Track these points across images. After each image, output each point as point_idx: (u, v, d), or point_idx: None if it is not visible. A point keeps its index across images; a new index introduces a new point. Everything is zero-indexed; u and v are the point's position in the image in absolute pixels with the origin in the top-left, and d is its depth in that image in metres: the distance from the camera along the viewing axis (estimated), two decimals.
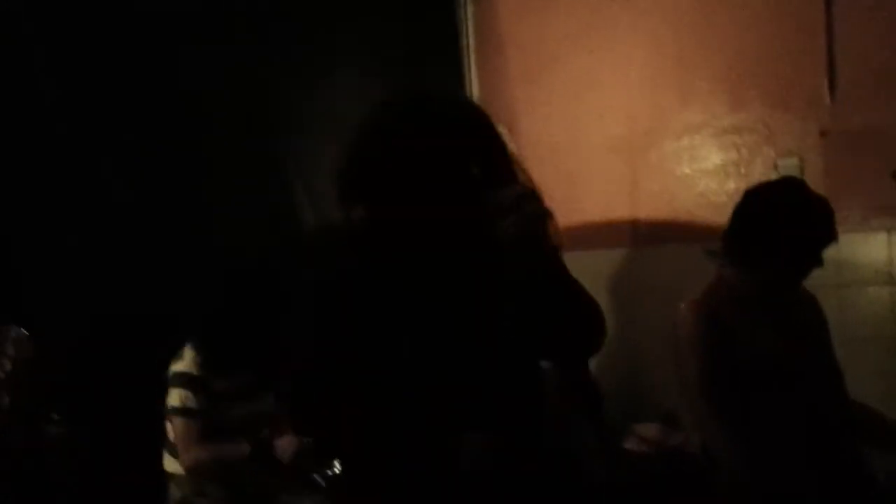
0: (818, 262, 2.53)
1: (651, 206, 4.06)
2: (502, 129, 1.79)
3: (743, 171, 3.80)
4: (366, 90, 3.95)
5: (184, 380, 3.20)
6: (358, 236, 1.71)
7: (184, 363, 3.22)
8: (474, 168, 1.62)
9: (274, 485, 3.28)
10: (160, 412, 3.23)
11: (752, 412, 2.44)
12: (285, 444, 3.17)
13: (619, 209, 4.12)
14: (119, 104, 3.47)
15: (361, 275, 1.70)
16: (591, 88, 4.21)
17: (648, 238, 4.04)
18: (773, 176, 3.50)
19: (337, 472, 2.91)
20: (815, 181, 3.13)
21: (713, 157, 3.91)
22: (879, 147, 3.39)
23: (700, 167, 3.94)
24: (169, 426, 3.23)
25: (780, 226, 2.50)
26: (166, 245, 3.51)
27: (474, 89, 4.52)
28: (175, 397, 3.19)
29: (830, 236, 2.52)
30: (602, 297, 1.82)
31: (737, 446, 2.43)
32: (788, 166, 3.61)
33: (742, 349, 2.45)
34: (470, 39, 4.56)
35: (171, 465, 3.26)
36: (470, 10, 4.58)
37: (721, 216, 3.84)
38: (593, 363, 3.18)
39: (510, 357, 1.71)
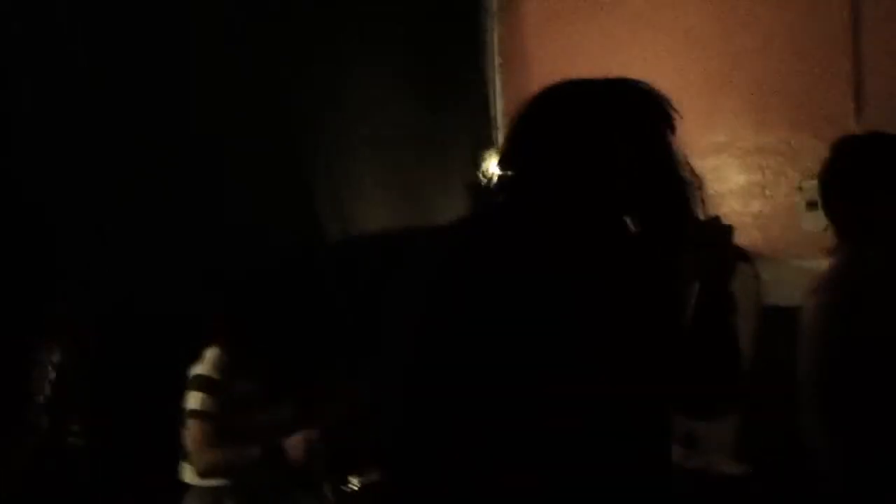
0: None
1: None
2: None
3: (767, 192, 3.78)
4: (391, 105, 3.98)
5: (202, 382, 3.19)
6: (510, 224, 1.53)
7: (203, 366, 3.22)
8: (646, 155, 1.56)
9: (289, 496, 3.27)
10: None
11: (877, 415, 2.21)
12: (295, 443, 3.15)
13: None
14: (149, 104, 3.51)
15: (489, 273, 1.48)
16: None
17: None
18: (797, 199, 3.48)
19: (354, 488, 2.88)
20: None
21: (737, 177, 3.89)
22: None
23: (724, 187, 3.92)
24: (184, 431, 3.20)
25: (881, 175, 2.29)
26: (190, 246, 3.54)
27: (499, 105, 4.52)
28: (193, 400, 3.17)
29: None
30: None
31: (850, 450, 2.24)
32: (812, 188, 3.57)
33: (876, 342, 2.20)
34: (495, 55, 4.56)
35: (188, 475, 3.24)
36: (496, 24, 4.58)
37: (744, 237, 3.86)
38: None
39: (641, 400, 1.49)
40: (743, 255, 1.59)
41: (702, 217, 1.60)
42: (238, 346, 3.27)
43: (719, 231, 1.60)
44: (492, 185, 1.63)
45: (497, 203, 1.62)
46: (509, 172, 1.61)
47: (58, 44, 3.36)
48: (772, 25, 3.77)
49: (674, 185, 1.59)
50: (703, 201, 1.64)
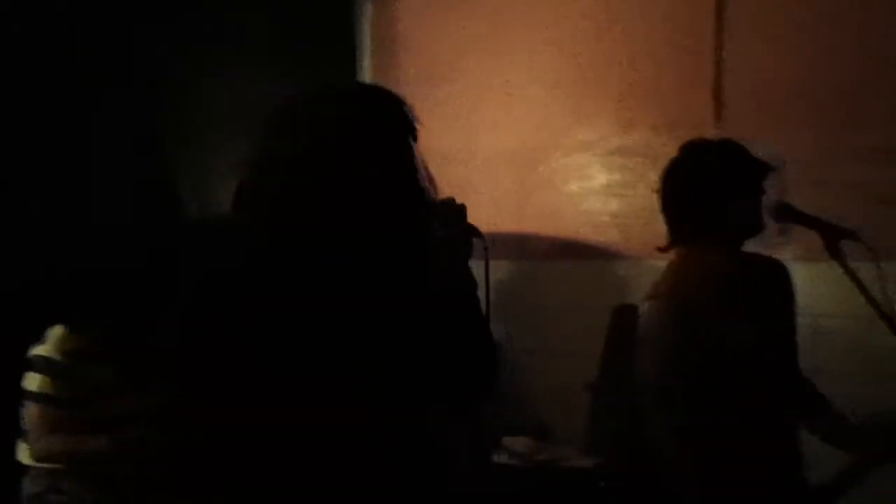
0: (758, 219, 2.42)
1: (537, 221, 4.09)
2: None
3: (628, 193, 3.86)
4: (255, 89, 3.89)
5: (44, 364, 3.08)
6: (255, 237, 1.58)
7: (45, 347, 3.10)
8: (385, 167, 1.55)
9: (139, 483, 3.14)
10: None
11: (716, 415, 2.30)
12: None
13: (507, 223, 4.13)
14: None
15: (256, 275, 1.54)
16: (486, 99, 4.22)
17: (535, 253, 4.06)
18: (656, 199, 3.57)
19: None
20: None
21: (600, 176, 3.96)
22: None
23: (587, 186, 3.99)
24: (24, 412, 3.08)
25: (708, 186, 2.39)
26: (33, 224, 3.39)
27: None
28: (32, 382, 3.06)
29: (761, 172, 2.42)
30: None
31: (694, 453, 2.29)
32: None
33: (712, 347, 2.28)
34: (366, 40, 4.51)
35: (24, 455, 3.12)
36: (367, 9, 4.53)
37: (604, 235, 3.95)
38: None
39: (402, 382, 1.58)
40: (476, 232, 1.66)
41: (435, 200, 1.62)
42: (88, 330, 3.16)
43: (453, 211, 1.62)
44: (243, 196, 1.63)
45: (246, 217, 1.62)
46: (254, 184, 1.61)
47: None
48: (638, 29, 3.85)
49: (411, 198, 1.59)
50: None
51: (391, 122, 1.62)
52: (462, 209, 1.66)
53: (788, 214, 2.48)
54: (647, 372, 2.36)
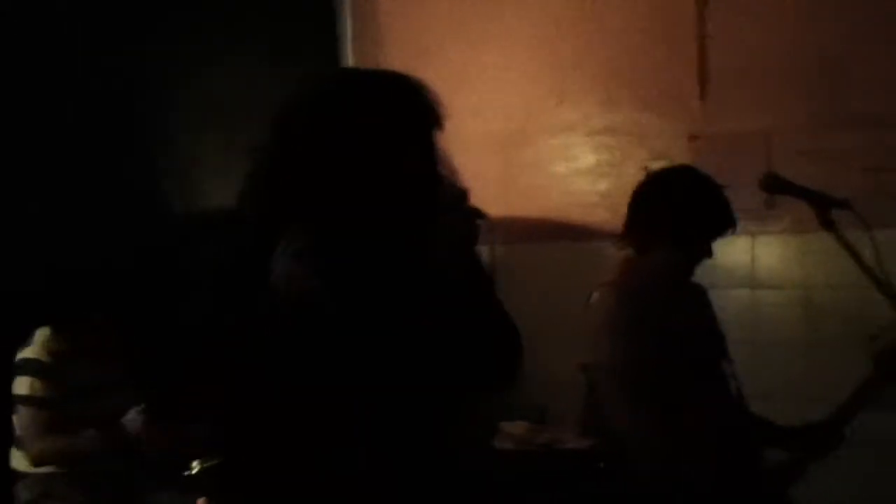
0: (708, 252, 2.53)
1: (524, 203, 4.07)
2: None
3: (615, 172, 3.84)
4: (238, 78, 3.85)
5: (33, 367, 3.05)
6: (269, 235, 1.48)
7: (33, 349, 3.08)
8: (413, 157, 1.49)
9: (131, 481, 3.16)
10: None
11: (668, 399, 2.40)
12: (132, 418, 3.05)
13: (492, 206, 4.08)
14: None
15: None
16: (468, 83, 4.18)
17: (521, 236, 4.04)
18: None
19: (193, 473, 2.82)
20: None
21: (586, 157, 3.95)
22: (747, 150, 3.48)
23: (573, 167, 3.97)
24: (14, 417, 3.06)
25: (674, 209, 2.49)
26: (24, 224, 3.35)
27: None
28: (21, 385, 3.04)
29: (726, 221, 2.52)
30: None
31: (649, 434, 2.40)
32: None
33: (659, 332, 2.41)
34: (348, 28, 4.48)
35: (19, 462, 3.11)
36: None
37: (592, 216, 3.93)
38: None
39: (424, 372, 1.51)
40: (479, 214, 1.61)
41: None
42: (73, 330, 3.15)
43: (456, 195, 1.57)
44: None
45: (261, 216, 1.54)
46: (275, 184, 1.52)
47: None
48: (621, 6, 3.82)
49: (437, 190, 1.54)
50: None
51: (419, 110, 1.56)
52: (465, 193, 1.60)
53: (778, 185, 2.48)
54: (598, 355, 2.46)
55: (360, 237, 1.48)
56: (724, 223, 2.53)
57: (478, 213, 1.59)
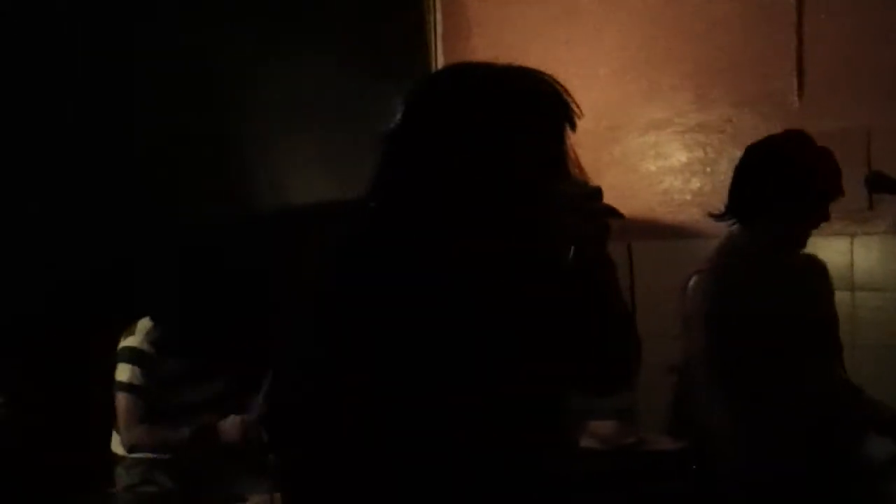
0: (825, 215, 2.44)
1: (614, 202, 4.02)
2: None
3: (707, 170, 3.79)
4: (330, 77, 3.89)
5: (133, 355, 3.12)
6: (386, 234, 1.46)
7: (135, 338, 3.14)
8: (542, 155, 1.46)
9: (222, 471, 3.18)
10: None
11: (760, 389, 2.35)
12: (230, 425, 3.09)
13: None
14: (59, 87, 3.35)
15: (383, 281, 1.42)
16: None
17: (614, 234, 4.01)
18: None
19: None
20: None
21: (678, 154, 3.90)
22: (846, 149, 3.38)
23: (665, 164, 3.93)
24: (115, 403, 3.12)
25: (784, 177, 2.42)
26: (123, 219, 3.42)
27: None
28: (122, 372, 3.11)
29: (835, 188, 2.44)
30: None
31: (741, 425, 2.36)
32: None
33: (753, 320, 2.34)
34: (438, 25, 4.50)
35: (117, 446, 3.18)
36: None
37: (684, 214, 3.88)
38: None
39: (536, 379, 1.48)
40: (613, 212, 1.54)
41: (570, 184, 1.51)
42: (170, 321, 3.20)
43: (588, 194, 1.52)
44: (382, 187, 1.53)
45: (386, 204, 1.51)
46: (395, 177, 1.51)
47: None
48: (716, 2, 3.75)
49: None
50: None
51: (554, 108, 1.52)
52: (598, 192, 1.54)
53: (884, 184, 2.41)
54: (693, 344, 2.42)
55: (482, 235, 1.46)
56: (833, 188, 2.44)
57: (611, 212, 1.53)
